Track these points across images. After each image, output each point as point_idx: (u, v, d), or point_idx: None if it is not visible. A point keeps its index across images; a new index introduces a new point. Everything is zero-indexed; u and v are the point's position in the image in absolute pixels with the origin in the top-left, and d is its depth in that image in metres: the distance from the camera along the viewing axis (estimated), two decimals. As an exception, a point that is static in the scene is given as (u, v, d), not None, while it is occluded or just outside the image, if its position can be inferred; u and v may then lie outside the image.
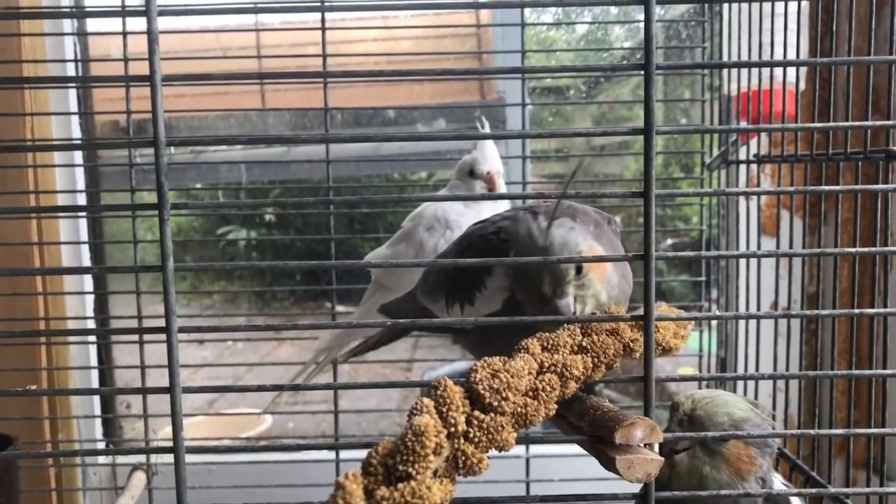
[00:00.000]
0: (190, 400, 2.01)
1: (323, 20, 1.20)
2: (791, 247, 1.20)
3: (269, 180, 1.73)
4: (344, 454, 1.32)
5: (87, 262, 1.45)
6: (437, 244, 1.03)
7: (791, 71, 1.09)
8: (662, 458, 0.54)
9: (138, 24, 1.23)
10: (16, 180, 1.31)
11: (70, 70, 1.37)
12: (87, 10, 1.55)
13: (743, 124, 1.16)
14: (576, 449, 0.61)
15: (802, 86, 1.13)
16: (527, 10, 1.39)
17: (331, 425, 1.35)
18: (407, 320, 0.80)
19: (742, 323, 1.21)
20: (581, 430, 0.58)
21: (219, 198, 1.74)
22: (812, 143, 1.06)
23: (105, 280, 1.54)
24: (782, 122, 1.09)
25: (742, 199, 1.22)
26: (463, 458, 0.48)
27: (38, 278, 1.33)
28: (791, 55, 1.07)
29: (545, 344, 0.55)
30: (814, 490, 0.86)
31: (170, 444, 0.53)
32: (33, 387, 1.25)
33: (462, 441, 0.48)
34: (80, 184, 1.44)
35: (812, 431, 0.64)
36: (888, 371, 0.63)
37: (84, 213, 1.39)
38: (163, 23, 0.50)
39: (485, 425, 0.49)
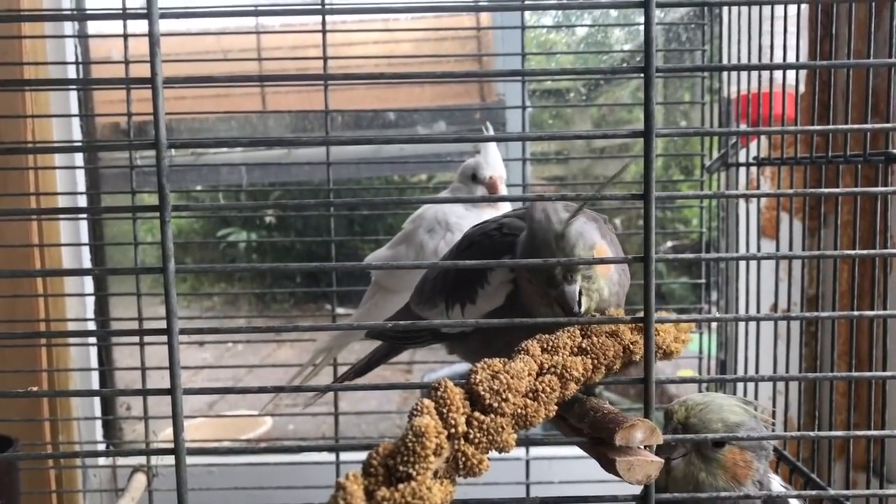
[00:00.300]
0: (190, 402, 2.01)
1: (323, 23, 1.21)
2: (791, 249, 1.20)
3: (269, 182, 1.73)
4: (344, 456, 1.32)
5: (87, 264, 1.45)
6: (437, 246, 1.02)
7: (791, 74, 1.09)
8: (662, 460, 0.54)
9: (139, 26, 1.24)
10: (17, 182, 1.31)
11: (71, 72, 1.37)
12: (89, 12, 1.55)
13: (743, 127, 1.16)
14: (576, 451, 0.61)
15: (802, 88, 1.13)
16: (527, 13, 1.40)
17: (331, 427, 1.36)
18: (407, 321, 0.80)
19: (742, 325, 1.20)
20: (581, 432, 0.58)
21: (219, 200, 1.75)
22: (812, 145, 1.06)
23: (106, 282, 1.54)
24: (782, 124, 1.09)
25: (742, 202, 1.22)
26: (463, 458, 0.48)
27: (38, 280, 1.33)
28: (791, 58, 1.07)
29: (545, 345, 0.55)
30: (814, 492, 0.87)
31: (170, 445, 0.53)
32: (34, 388, 1.25)
33: (462, 442, 0.48)
34: (81, 185, 1.44)
35: (812, 433, 0.64)
36: (888, 373, 0.63)
37: (85, 215, 1.39)
38: (164, 25, 0.50)
39: (485, 426, 0.49)
